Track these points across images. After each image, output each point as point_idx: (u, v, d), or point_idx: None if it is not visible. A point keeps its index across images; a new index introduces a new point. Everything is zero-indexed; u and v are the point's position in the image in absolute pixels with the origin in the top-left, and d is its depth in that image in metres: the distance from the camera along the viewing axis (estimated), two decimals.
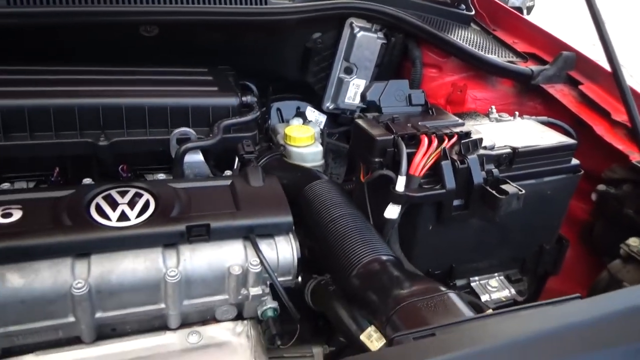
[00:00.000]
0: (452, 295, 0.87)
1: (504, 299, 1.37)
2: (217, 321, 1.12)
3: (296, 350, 1.37)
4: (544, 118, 1.51)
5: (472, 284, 1.38)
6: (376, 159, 1.20)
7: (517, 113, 1.53)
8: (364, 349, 0.96)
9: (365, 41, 1.79)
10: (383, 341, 0.99)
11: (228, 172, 1.30)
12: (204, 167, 1.29)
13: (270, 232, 1.12)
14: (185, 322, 1.09)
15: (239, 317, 1.13)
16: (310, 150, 1.60)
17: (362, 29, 1.78)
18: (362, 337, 1.03)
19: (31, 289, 0.93)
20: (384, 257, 1.06)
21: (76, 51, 1.54)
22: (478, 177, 1.19)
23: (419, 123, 1.27)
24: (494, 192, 1.16)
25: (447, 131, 1.24)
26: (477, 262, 1.36)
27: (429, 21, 1.84)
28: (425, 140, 1.20)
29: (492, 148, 1.27)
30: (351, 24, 1.77)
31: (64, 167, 1.26)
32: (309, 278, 1.22)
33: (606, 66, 1.46)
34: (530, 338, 0.75)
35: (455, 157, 1.20)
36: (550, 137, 1.37)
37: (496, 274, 1.41)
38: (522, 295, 1.40)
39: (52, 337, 0.99)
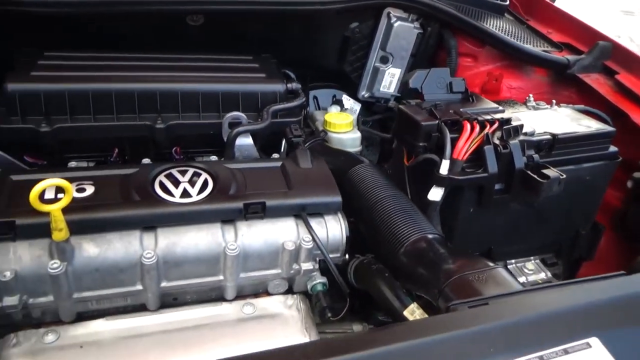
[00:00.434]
0: (501, 270, 0.92)
1: (540, 282, 1.41)
2: (269, 294, 1.19)
3: (337, 327, 1.43)
4: (581, 106, 1.54)
5: (509, 267, 1.42)
6: (420, 144, 1.25)
7: (554, 101, 1.56)
8: None
9: (402, 31, 1.82)
10: (425, 317, 1.05)
11: (276, 155, 1.36)
12: (252, 150, 1.35)
13: (320, 211, 1.17)
14: (240, 294, 1.16)
15: (289, 291, 1.20)
16: (349, 136, 1.66)
17: (399, 18, 1.81)
18: (405, 313, 1.08)
19: (105, 258, 1.01)
20: (430, 236, 1.11)
21: (126, 39, 1.61)
22: (520, 161, 1.23)
23: (461, 109, 1.32)
24: (535, 176, 1.20)
25: (488, 117, 1.28)
26: (514, 245, 1.40)
27: (463, 10, 1.87)
28: (468, 126, 1.24)
29: (532, 134, 1.30)
30: (388, 13, 1.81)
31: (122, 148, 1.33)
32: (351, 257, 1.28)
33: None
34: (580, 308, 0.80)
35: (497, 142, 1.24)
36: (588, 125, 1.39)
37: (532, 258, 1.45)
38: (558, 278, 1.44)
39: (121, 304, 1.07)
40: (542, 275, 1.42)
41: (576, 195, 1.36)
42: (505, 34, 1.82)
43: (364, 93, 1.95)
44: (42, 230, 0.96)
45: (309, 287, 1.17)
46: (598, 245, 1.51)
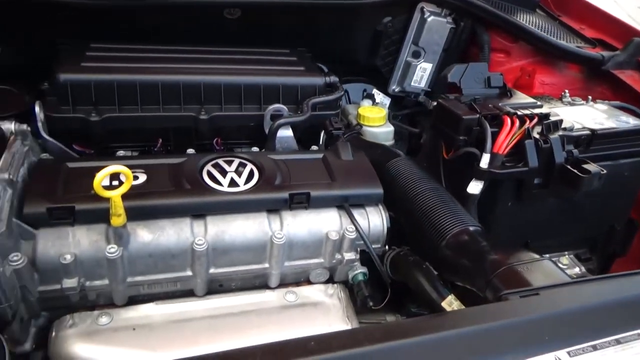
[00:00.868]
0: (549, 262, 0.94)
1: (574, 277, 1.42)
2: (310, 283, 1.21)
3: (371, 318, 1.45)
4: (617, 103, 1.54)
5: None
6: (461, 137, 1.26)
7: (590, 97, 1.56)
8: None
9: (435, 25, 1.83)
10: (463, 308, 1.07)
11: (314, 147, 1.38)
12: (292, 142, 1.37)
13: (362, 202, 1.20)
14: (282, 283, 1.18)
15: (329, 280, 1.22)
16: (382, 129, 1.67)
17: (432, 13, 1.82)
18: (444, 304, 1.10)
19: (158, 244, 1.04)
20: (472, 228, 1.12)
21: (164, 32, 1.63)
22: (560, 156, 1.24)
23: (499, 104, 1.33)
24: (576, 171, 1.21)
25: (527, 112, 1.29)
26: (549, 239, 1.41)
27: (496, 6, 1.87)
28: (508, 120, 1.25)
29: (571, 129, 1.31)
30: (422, 8, 1.81)
31: (165, 139, 1.36)
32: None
33: None
34: (631, 300, 0.82)
35: (537, 136, 1.25)
36: (626, 121, 1.40)
37: (566, 253, 1.46)
38: (592, 274, 1.45)
39: (170, 289, 1.10)
40: (577, 270, 1.43)
41: (613, 190, 1.37)
42: (538, 29, 1.82)
43: (394, 87, 1.96)
44: (99, 215, 1.00)
45: (350, 276, 1.20)
46: (633, 241, 1.51)
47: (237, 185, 1.12)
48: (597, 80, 1.80)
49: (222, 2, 1.60)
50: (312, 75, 1.44)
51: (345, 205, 1.17)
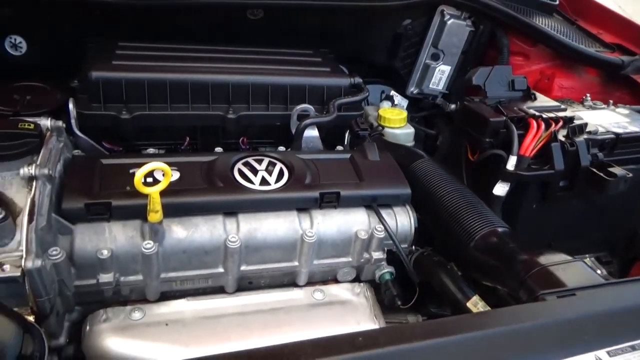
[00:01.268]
0: (582, 263, 0.95)
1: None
2: (337, 282, 1.23)
3: (392, 318, 1.46)
4: (639, 107, 1.55)
5: None
6: (487, 139, 1.27)
7: (611, 101, 1.57)
8: None
9: (455, 28, 1.84)
10: (488, 309, 1.08)
11: (340, 147, 1.39)
12: (317, 142, 1.38)
13: (390, 202, 1.21)
14: (310, 281, 1.19)
15: (356, 279, 1.23)
16: (403, 131, 1.68)
17: (452, 16, 1.83)
18: (469, 305, 1.11)
19: (192, 240, 1.05)
20: (500, 229, 1.13)
21: (188, 32, 1.65)
22: (585, 159, 1.25)
23: (524, 107, 1.34)
24: (602, 174, 1.22)
25: (552, 115, 1.30)
26: (572, 242, 1.42)
27: (514, 9, 1.88)
28: (534, 123, 1.26)
29: (596, 133, 1.32)
30: (442, 11, 1.83)
31: (193, 137, 1.37)
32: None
33: None
34: None
35: (563, 139, 1.26)
36: None
37: (587, 255, 1.47)
38: (612, 277, 1.46)
39: (202, 285, 1.12)
40: (598, 273, 1.44)
41: (636, 194, 1.38)
42: (557, 33, 1.83)
43: (413, 89, 1.97)
44: (135, 211, 1.01)
45: (377, 275, 1.21)
46: None
47: (268, 183, 1.14)
48: (615, 85, 1.81)
49: (245, 2, 1.61)
50: (338, 76, 1.46)
51: (374, 205, 1.18)
